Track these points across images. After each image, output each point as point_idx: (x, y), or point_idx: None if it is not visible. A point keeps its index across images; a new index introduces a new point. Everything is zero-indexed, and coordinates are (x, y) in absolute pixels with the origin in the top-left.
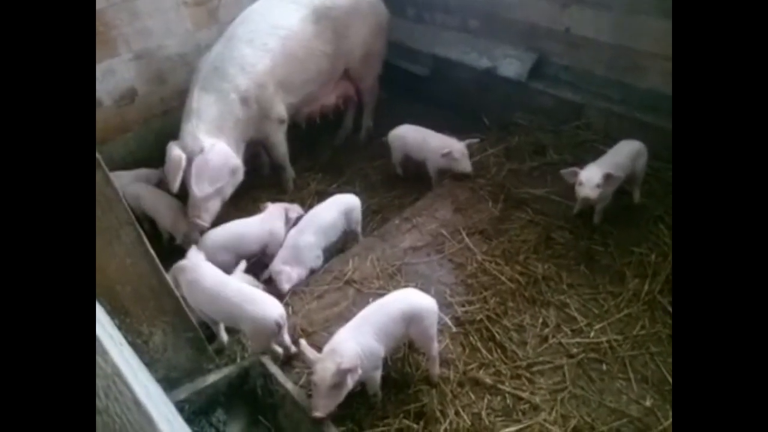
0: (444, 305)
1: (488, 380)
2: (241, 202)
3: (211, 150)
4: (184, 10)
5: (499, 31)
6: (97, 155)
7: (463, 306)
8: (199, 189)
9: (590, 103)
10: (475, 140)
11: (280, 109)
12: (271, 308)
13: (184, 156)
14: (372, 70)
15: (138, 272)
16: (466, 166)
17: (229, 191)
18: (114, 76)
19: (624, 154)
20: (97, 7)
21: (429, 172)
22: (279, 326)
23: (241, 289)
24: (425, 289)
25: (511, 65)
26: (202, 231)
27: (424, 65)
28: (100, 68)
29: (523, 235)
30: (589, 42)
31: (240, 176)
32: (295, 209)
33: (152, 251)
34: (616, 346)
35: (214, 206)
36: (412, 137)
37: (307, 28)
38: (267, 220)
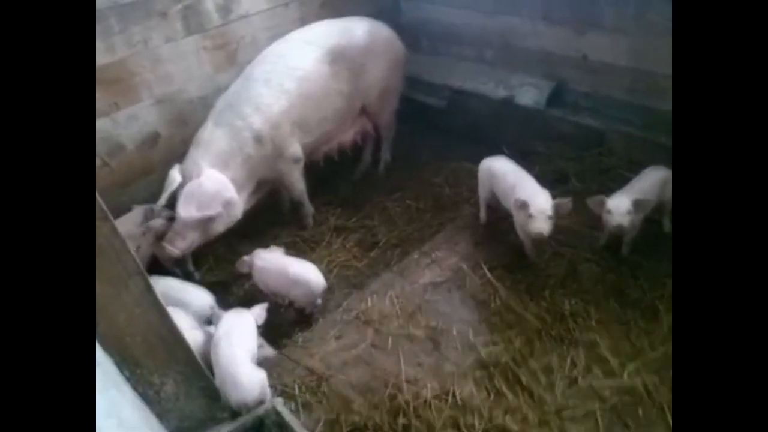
0: (467, 346)
1: (515, 427)
2: (263, 238)
3: (208, 176)
4: (204, 55)
5: (515, 60)
6: (103, 207)
7: (487, 347)
8: (184, 210)
9: (612, 129)
10: (566, 200)
11: (296, 149)
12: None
13: (179, 178)
14: (389, 106)
15: (147, 321)
16: (535, 227)
17: (219, 228)
18: (137, 121)
19: (651, 181)
20: (120, 55)
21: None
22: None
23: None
24: (446, 329)
25: (529, 93)
26: (171, 259)
27: (441, 97)
28: (123, 114)
29: (547, 269)
30: (608, 67)
31: (236, 213)
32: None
33: (161, 300)
34: (652, 389)
35: (194, 237)
36: (501, 178)
37: (323, 69)
38: None
